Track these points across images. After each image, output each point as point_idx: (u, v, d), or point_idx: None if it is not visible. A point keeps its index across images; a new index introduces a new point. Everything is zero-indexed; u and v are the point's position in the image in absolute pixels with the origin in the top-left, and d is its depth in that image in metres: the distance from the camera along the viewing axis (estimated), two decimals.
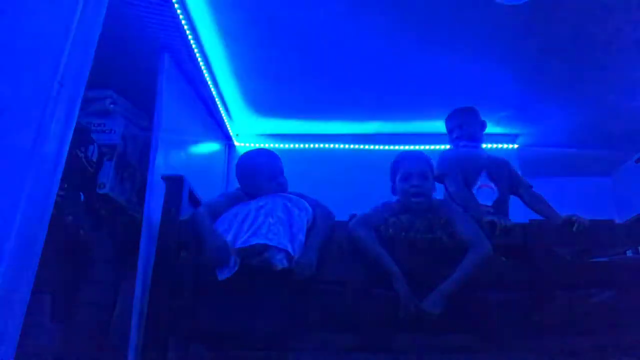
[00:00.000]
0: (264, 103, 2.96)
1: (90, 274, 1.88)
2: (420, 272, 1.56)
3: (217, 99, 2.71)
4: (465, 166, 2.13)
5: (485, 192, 2.10)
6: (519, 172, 2.30)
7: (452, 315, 1.53)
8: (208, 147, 2.92)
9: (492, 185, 2.12)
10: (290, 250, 1.54)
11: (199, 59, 2.31)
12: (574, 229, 1.71)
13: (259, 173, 1.81)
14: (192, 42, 2.17)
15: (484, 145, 2.27)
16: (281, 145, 3.29)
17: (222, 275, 1.52)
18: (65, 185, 1.71)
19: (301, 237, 1.60)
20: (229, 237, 1.59)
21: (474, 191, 2.09)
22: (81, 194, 1.83)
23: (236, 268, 1.53)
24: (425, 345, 1.91)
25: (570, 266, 1.73)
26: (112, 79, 2.15)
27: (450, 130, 2.29)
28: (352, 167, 3.26)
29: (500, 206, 2.10)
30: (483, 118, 2.30)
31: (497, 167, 2.19)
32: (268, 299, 1.60)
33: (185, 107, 2.48)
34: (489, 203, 2.08)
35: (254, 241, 1.53)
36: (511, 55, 2.50)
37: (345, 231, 1.67)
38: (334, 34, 2.33)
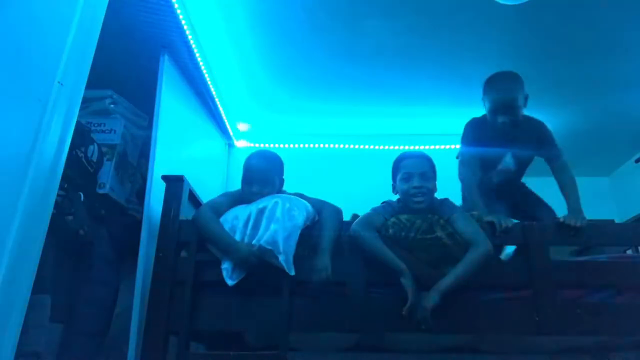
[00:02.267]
0: (265, 102, 2.96)
1: (90, 274, 1.88)
2: (420, 273, 1.56)
3: (217, 99, 2.71)
4: (489, 148, 1.99)
5: (501, 173, 2.05)
6: (551, 137, 2.05)
7: (452, 315, 1.53)
8: (208, 147, 2.92)
9: (512, 166, 2.05)
10: (288, 252, 1.55)
11: (199, 59, 2.31)
12: (571, 228, 1.70)
13: (255, 181, 1.78)
14: (192, 41, 2.17)
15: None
16: (282, 145, 3.29)
17: (232, 281, 1.53)
18: (65, 185, 1.71)
19: (296, 236, 1.60)
20: None
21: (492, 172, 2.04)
22: (81, 194, 1.83)
23: (244, 274, 1.54)
24: (425, 345, 1.91)
25: (570, 266, 1.73)
26: (112, 79, 2.15)
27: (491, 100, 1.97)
28: (353, 166, 3.26)
29: (512, 182, 2.07)
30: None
31: (524, 145, 2.02)
32: (267, 299, 1.60)
33: (185, 107, 2.47)
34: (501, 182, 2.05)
35: (257, 245, 1.55)
36: (511, 55, 2.50)
37: (346, 231, 1.66)
38: (335, 34, 2.33)
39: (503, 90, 1.95)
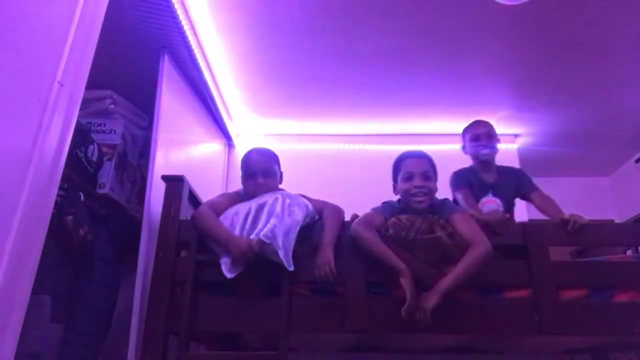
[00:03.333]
0: (264, 103, 2.97)
1: (90, 274, 1.88)
2: (420, 273, 1.56)
3: (217, 99, 2.71)
4: (473, 185, 2.14)
5: (489, 207, 2.11)
6: (527, 176, 2.25)
7: (452, 315, 1.53)
8: (208, 147, 2.92)
9: (497, 200, 2.13)
10: (287, 247, 1.55)
11: (199, 59, 2.31)
12: (569, 227, 1.70)
13: (259, 172, 1.80)
14: (192, 42, 2.17)
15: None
16: (281, 145, 3.29)
17: (230, 274, 1.52)
18: (65, 185, 1.71)
19: (295, 231, 1.60)
20: None
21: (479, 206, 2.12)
22: (81, 194, 1.82)
23: (243, 268, 1.54)
24: (425, 345, 1.91)
25: (570, 266, 1.73)
26: (112, 79, 2.15)
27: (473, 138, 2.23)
28: (352, 166, 3.26)
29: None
30: (484, 118, 2.29)
31: (504, 185, 2.18)
32: (267, 299, 1.60)
33: (185, 107, 2.48)
34: None
35: (256, 239, 1.54)
36: (511, 55, 2.50)
37: (346, 231, 1.66)
38: (334, 34, 2.33)
39: (482, 125, 2.23)
